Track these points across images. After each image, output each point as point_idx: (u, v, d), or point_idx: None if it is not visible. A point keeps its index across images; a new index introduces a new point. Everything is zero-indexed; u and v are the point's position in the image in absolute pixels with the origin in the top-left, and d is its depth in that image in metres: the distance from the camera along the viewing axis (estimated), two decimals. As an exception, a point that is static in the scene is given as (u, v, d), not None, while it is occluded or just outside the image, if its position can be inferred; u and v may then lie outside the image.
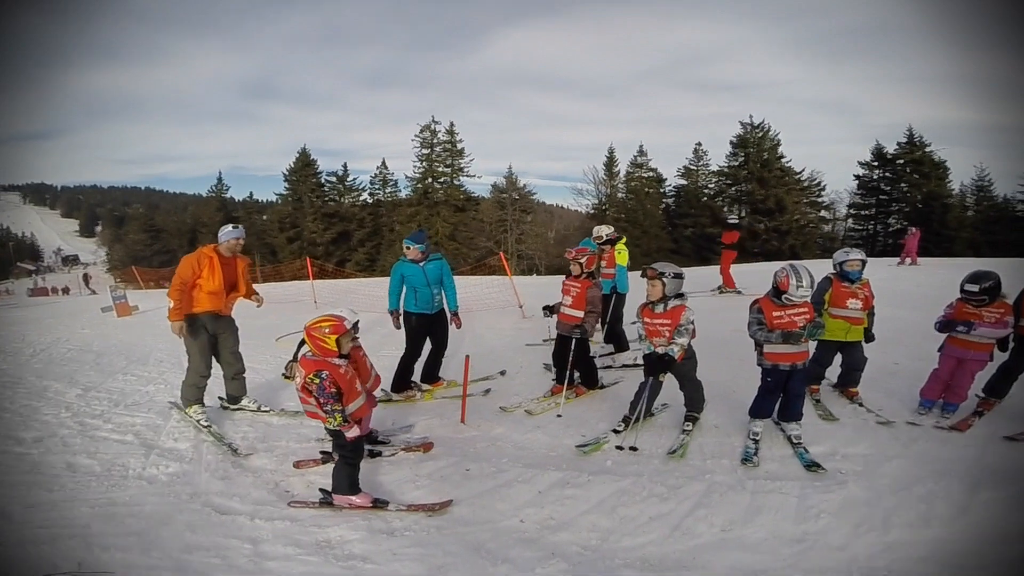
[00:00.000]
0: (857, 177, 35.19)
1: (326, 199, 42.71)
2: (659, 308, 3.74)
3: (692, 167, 37.97)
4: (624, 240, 6.12)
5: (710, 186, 37.59)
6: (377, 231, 41.09)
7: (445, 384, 5.16)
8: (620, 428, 3.96)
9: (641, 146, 39.05)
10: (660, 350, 3.70)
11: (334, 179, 43.03)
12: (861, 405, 4.28)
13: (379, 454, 3.70)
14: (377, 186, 43.45)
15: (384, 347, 6.88)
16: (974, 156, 54.33)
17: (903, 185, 33.58)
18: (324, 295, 12.45)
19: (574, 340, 4.49)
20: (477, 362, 6.04)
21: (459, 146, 39.97)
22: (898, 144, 33.75)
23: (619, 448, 3.74)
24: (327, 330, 2.96)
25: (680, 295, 3.75)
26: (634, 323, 4.32)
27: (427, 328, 4.87)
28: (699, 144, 37.96)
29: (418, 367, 4.97)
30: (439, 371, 5.14)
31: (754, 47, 58.57)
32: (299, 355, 3.17)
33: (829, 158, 65.80)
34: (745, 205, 35.34)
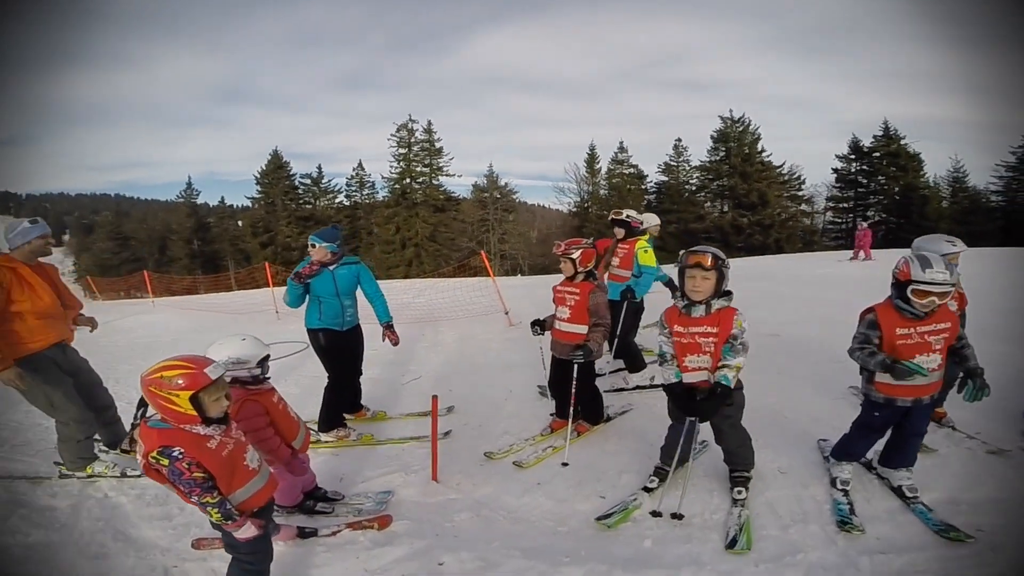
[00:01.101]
0: (835, 170, 35.20)
1: (300, 202, 41.25)
2: (698, 311, 2.62)
3: (673, 163, 37.55)
4: (648, 236, 4.72)
5: (692, 181, 37.22)
6: (355, 234, 39.73)
7: (370, 415, 4.32)
8: (653, 484, 2.96)
9: (622, 143, 38.61)
10: (695, 376, 2.65)
11: (308, 181, 41.59)
12: (955, 429, 3.45)
13: (314, 533, 2.65)
14: (354, 188, 42.20)
15: (366, 369, 5.91)
16: (947, 149, 55.19)
17: (880, 178, 33.63)
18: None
19: (576, 366, 3.43)
20: (457, 382, 5.19)
21: (437, 145, 38.85)
22: (874, 137, 33.86)
23: (655, 515, 2.74)
24: (178, 381, 1.88)
25: (727, 293, 2.67)
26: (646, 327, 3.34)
27: (340, 348, 3.92)
28: (679, 140, 37.60)
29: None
30: (359, 398, 4.32)
31: (729, 46, 58.88)
32: (139, 417, 2.25)
33: (805, 153, 66.47)
34: (728, 199, 35.03)
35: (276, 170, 40.42)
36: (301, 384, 5.31)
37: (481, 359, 6.04)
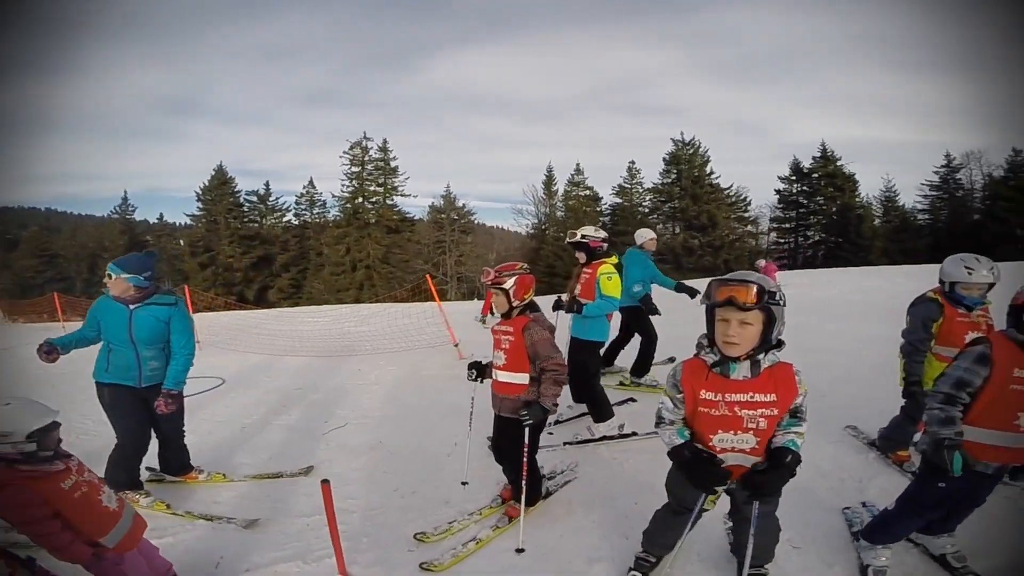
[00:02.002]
0: (778, 192, 36.75)
1: (245, 220, 39.32)
2: (739, 371, 1.86)
3: (626, 185, 38.22)
4: (616, 259, 4.10)
5: (645, 203, 37.93)
6: (303, 255, 38.12)
7: (204, 476, 3.61)
8: None
9: (578, 165, 38.92)
10: (730, 460, 1.94)
11: (255, 199, 39.76)
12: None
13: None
14: (304, 207, 40.65)
15: (283, 412, 5.30)
16: (879, 170, 59.33)
17: (819, 198, 35.35)
18: (215, 332, 10.33)
19: (527, 429, 2.74)
20: (390, 431, 4.49)
21: (393, 164, 38.08)
22: (813, 159, 35.65)
23: None
24: None
25: (779, 343, 1.91)
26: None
27: (131, 409, 3.18)
28: (632, 162, 38.36)
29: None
30: (187, 458, 3.61)
31: (683, 71, 61.52)
32: None
33: (751, 175, 69.73)
34: (679, 221, 35.84)
35: (220, 186, 38.45)
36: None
37: (423, 401, 5.42)
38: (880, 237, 33.35)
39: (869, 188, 36.30)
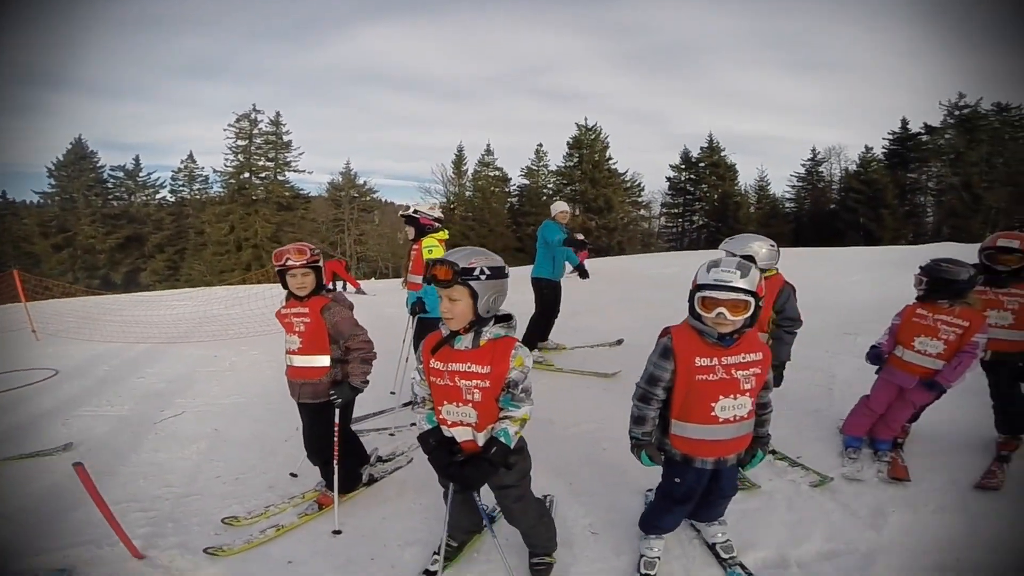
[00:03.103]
0: (668, 179, 39.45)
1: (110, 198, 34.73)
2: (463, 343, 1.88)
3: (534, 167, 38.85)
4: (445, 234, 4.04)
5: (549, 186, 38.86)
6: (181, 234, 34.51)
7: None
8: (435, 567, 2.25)
9: (488, 145, 38.88)
10: (457, 434, 1.94)
11: (121, 174, 35.16)
12: (775, 453, 3.10)
13: None
14: (182, 182, 36.65)
15: (117, 402, 4.75)
16: (755, 161, 65.56)
17: (704, 186, 38.48)
18: (59, 320, 9.05)
19: (337, 410, 2.67)
20: (230, 419, 4.11)
21: (286, 139, 35.43)
22: (700, 149, 38.63)
23: None
24: None
25: (506, 317, 1.98)
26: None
27: None
28: (540, 145, 39.00)
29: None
30: None
31: (593, 59, 63.00)
32: None
33: (647, 163, 73.93)
34: (579, 203, 37.23)
35: (78, 161, 33.54)
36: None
37: (275, 387, 5.09)
38: (753, 222, 37.08)
39: (746, 177, 40.26)
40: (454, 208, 37.77)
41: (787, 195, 39.71)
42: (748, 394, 1.94)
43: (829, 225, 35.17)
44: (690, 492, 2.11)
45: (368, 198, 38.13)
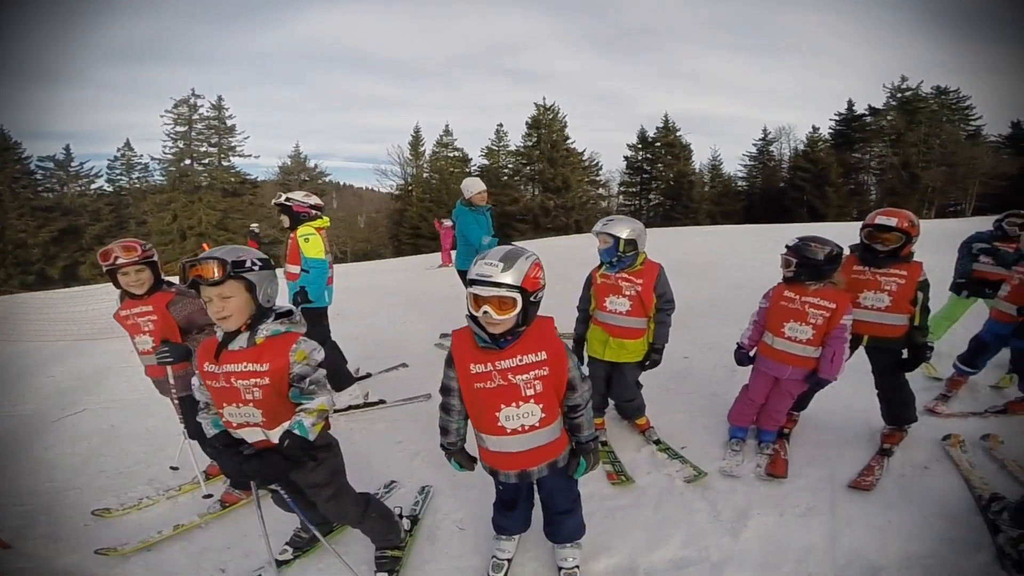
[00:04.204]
0: (626, 158, 39.73)
1: (39, 189, 32.61)
2: (237, 343, 1.81)
3: (494, 148, 38.41)
4: (326, 221, 3.83)
5: (509, 166, 38.65)
6: (121, 224, 32.81)
7: None
8: (285, 555, 2.33)
9: (447, 126, 38.16)
10: (252, 431, 1.84)
11: (51, 165, 32.99)
12: (658, 444, 3.06)
13: None
14: (119, 171, 34.68)
15: (19, 402, 4.57)
16: (709, 141, 66.91)
17: (660, 165, 39.01)
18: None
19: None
20: (129, 414, 3.97)
21: (229, 123, 33.87)
22: (656, 129, 39.00)
23: None
24: None
25: (286, 314, 1.91)
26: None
27: None
28: (500, 125, 38.47)
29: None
30: None
31: (557, 39, 62.30)
32: None
33: (606, 142, 74.35)
34: (538, 183, 37.23)
35: (1, 153, 31.19)
36: None
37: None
38: (707, 201, 37.97)
39: (701, 157, 41.02)
40: (411, 190, 37.19)
41: (739, 174, 40.73)
42: (534, 400, 1.77)
43: (778, 202, 36.34)
44: (512, 500, 2.10)
45: (320, 181, 37.03)
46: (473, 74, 61.42)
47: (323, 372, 1.85)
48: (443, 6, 62.95)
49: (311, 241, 3.65)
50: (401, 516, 2.44)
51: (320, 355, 1.85)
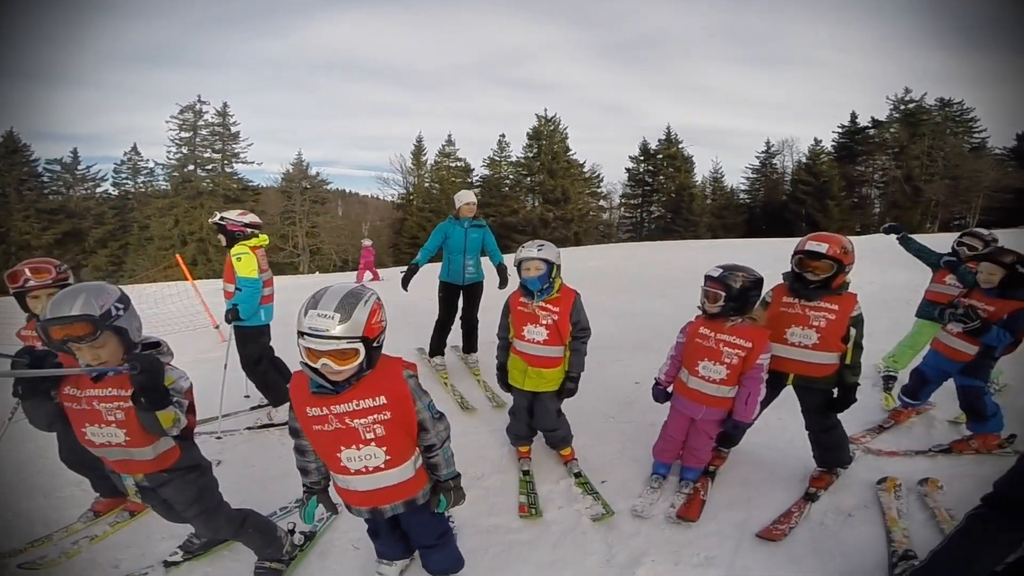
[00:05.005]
0: (628, 170, 39.70)
1: (45, 192, 33.04)
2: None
3: (496, 158, 38.50)
4: (264, 239, 3.82)
5: (510, 177, 38.70)
6: (125, 228, 33.14)
7: None
8: (175, 557, 2.39)
9: (449, 135, 38.27)
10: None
11: (58, 168, 33.46)
12: (579, 476, 2.94)
13: None
14: (125, 175, 35.10)
15: None
16: (711, 153, 66.80)
17: (661, 177, 38.90)
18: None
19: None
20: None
21: (233, 129, 34.25)
22: (659, 141, 38.96)
23: None
24: None
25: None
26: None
27: None
28: (503, 135, 38.59)
29: None
30: None
31: (561, 50, 62.62)
32: None
33: (609, 154, 74.48)
34: (537, 195, 37.21)
35: (10, 155, 31.74)
36: None
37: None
38: (707, 214, 37.77)
39: (703, 169, 40.91)
40: (412, 199, 37.28)
41: (742, 187, 40.60)
42: (375, 443, 1.71)
43: (779, 216, 36.09)
44: (374, 532, 2.11)
45: (321, 189, 37.23)
46: (479, 83, 61.90)
47: (186, 402, 1.89)
48: (451, 16, 63.56)
49: (243, 260, 3.63)
50: (293, 531, 2.44)
51: (186, 383, 1.89)
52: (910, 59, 54.33)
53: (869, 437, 3.29)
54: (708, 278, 2.51)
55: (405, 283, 4.49)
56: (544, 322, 2.79)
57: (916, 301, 4.08)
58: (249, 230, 3.77)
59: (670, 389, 2.81)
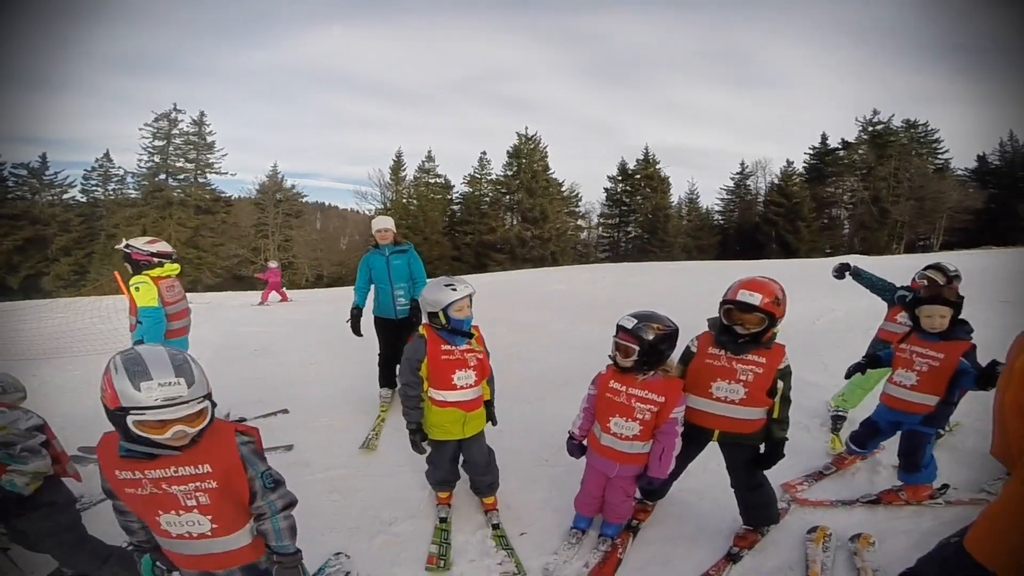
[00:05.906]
0: (606, 190, 40.13)
1: (9, 196, 31.96)
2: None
3: (476, 175, 38.52)
4: (174, 268, 3.71)
5: (489, 195, 38.71)
6: (91, 236, 32.14)
7: None
8: None
9: (429, 151, 38.06)
10: None
11: (24, 172, 32.45)
12: (496, 529, 2.82)
13: None
14: (96, 182, 34.17)
15: None
16: (687, 173, 67.94)
17: (639, 197, 39.35)
18: None
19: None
20: None
21: (209, 139, 33.73)
22: (637, 161, 39.50)
23: None
24: None
25: None
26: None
27: None
28: (484, 152, 38.63)
29: None
30: None
31: (546, 68, 63.29)
32: None
33: (589, 173, 75.26)
34: (516, 213, 37.29)
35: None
36: None
37: (74, 411, 4.59)
38: (683, 235, 38.25)
39: (679, 189, 41.51)
40: (389, 214, 36.86)
41: (716, 208, 41.30)
42: (197, 511, 1.56)
43: (752, 238, 36.74)
44: None
45: (296, 202, 36.74)
46: (462, 99, 62.23)
47: (38, 439, 2.02)
48: (436, 31, 64.12)
49: (142, 290, 3.50)
50: None
51: (26, 424, 2.00)
52: (879, 78, 56.23)
53: (806, 484, 3.18)
54: (621, 329, 2.36)
55: (355, 329, 4.41)
56: (472, 364, 2.71)
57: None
58: (156, 259, 3.63)
59: (585, 443, 2.67)
